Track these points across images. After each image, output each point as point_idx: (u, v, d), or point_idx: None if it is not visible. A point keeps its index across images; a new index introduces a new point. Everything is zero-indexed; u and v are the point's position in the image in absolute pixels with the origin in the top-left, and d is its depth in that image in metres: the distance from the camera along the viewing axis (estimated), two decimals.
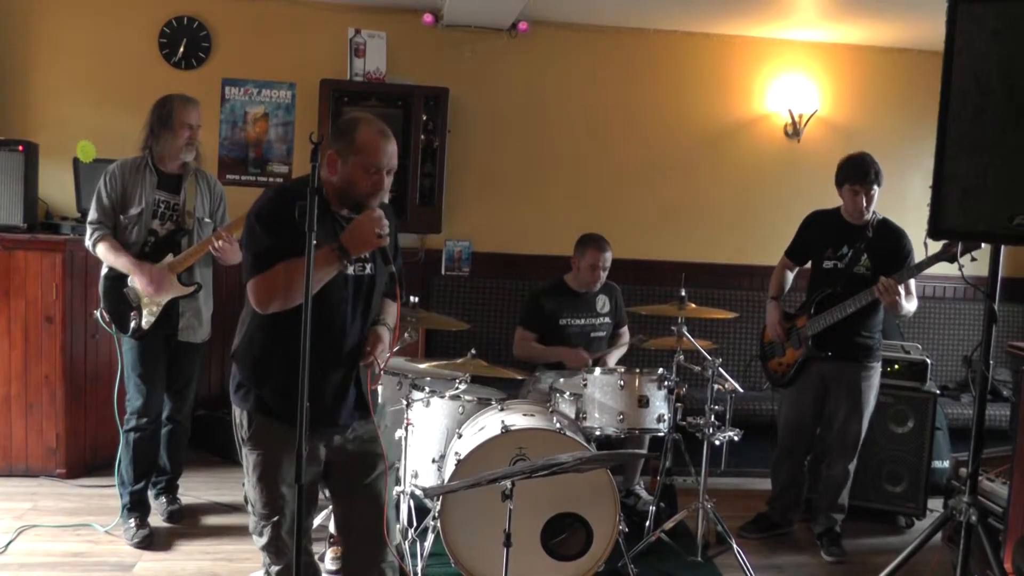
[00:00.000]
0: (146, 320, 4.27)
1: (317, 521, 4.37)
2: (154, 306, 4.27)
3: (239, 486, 5.16)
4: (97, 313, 4.37)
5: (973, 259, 3.54)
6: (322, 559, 4.14)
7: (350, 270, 2.88)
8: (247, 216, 2.88)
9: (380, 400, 3.23)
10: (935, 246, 3.83)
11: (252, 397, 2.97)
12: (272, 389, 2.93)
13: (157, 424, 4.46)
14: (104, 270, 4.34)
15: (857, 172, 4.44)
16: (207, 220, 4.41)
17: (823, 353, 4.54)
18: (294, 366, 2.57)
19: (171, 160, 4.30)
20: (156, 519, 4.53)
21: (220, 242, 4.19)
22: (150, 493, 4.55)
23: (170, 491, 4.71)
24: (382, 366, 3.01)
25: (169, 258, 4.28)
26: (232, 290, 5.65)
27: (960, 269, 3.48)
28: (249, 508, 3.07)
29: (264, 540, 3.02)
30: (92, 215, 4.29)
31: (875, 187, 4.43)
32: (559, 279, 5.05)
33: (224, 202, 4.54)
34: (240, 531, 4.53)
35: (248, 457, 3.01)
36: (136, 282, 4.23)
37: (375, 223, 2.78)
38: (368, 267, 2.96)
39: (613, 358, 5.05)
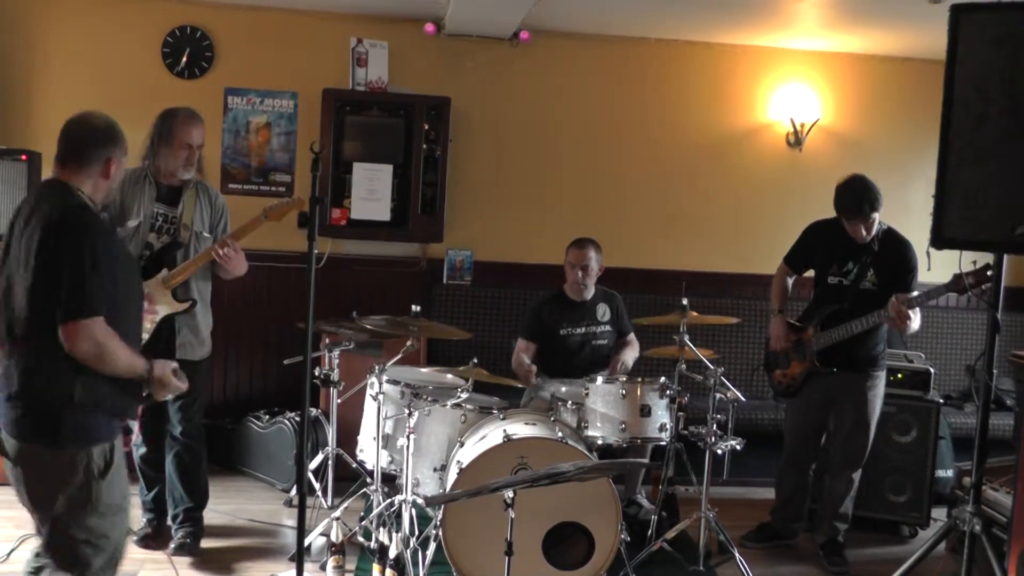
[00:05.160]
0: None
1: (316, 532, 4.38)
2: (148, 323, 4.03)
3: (239, 495, 5.17)
4: None
5: (984, 292, 3.53)
6: (324, 567, 4.14)
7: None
8: (83, 238, 2.71)
9: None
10: (937, 255, 3.83)
11: (101, 423, 2.80)
12: (108, 397, 2.79)
13: (159, 443, 4.33)
14: None
15: (852, 207, 4.39)
16: (206, 235, 4.24)
17: (829, 369, 4.53)
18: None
19: (168, 176, 4.17)
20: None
21: (225, 249, 4.07)
22: (171, 526, 4.39)
23: (191, 523, 4.35)
24: None
25: (164, 272, 4.11)
26: (233, 302, 5.66)
27: (968, 301, 3.48)
28: (90, 550, 2.82)
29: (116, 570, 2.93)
30: None
31: (873, 215, 4.39)
32: (559, 290, 5.06)
33: (226, 215, 4.39)
34: (242, 539, 4.53)
35: (107, 490, 2.80)
36: None
37: (175, 391, 2.92)
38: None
39: (629, 356, 5.04)
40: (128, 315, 2.87)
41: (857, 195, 4.38)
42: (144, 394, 2.88)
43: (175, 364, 2.96)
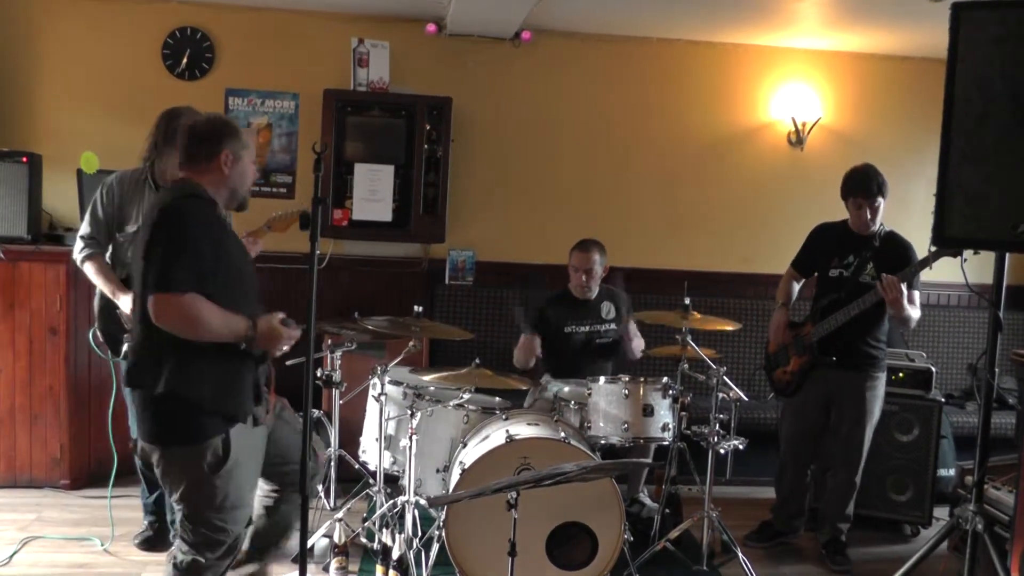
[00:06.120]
0: None
1: (319, 534, 4.37)
2: None
3: None
4: (90, 333, 4.22)
5: (976, 252, 3.52)
6: (327, 569, 4.14)
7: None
8: (179, 224, 2.83)
9: None
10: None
11: (216, 419, 2.88)
12: (222, 394, 2.89)
13: None
14: (98, 288, 4.16)
15: (860, 186, 4.45)
16: None
17: (828, 358, 4.53)
18: (225, 365, 2.86)
19: (173, 178, 4.03)
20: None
21: (252, 239, 4.08)
22: (171, 532, 4.26)
23: None
24: None
25: None
26: None
27: (963, 265, 3.45)
28: (203, 543, 2.96)
29: (232, 557, 3.04)
30: (85, 228, 4.10)
31: (879, 199, 4.43)
32: (564, 289, 5.05)
33: (229, 215, 4.39)
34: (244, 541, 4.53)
35: (223, 486, 2.91)
36: (125, 307, 3.98)
37: (288, 340, 3.00)
38: None
39: (636, 347, 5.04)
40: (237, 302, 2.89)
41: (867, 176, 4.45)
42: (259, 356, 2.95)
43: (282, 314, 2.99)
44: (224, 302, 2.82)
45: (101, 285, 4.06)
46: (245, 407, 2.94)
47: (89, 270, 4.07)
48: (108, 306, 4.10)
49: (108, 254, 4.12)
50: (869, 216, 4.45)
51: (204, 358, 2.82)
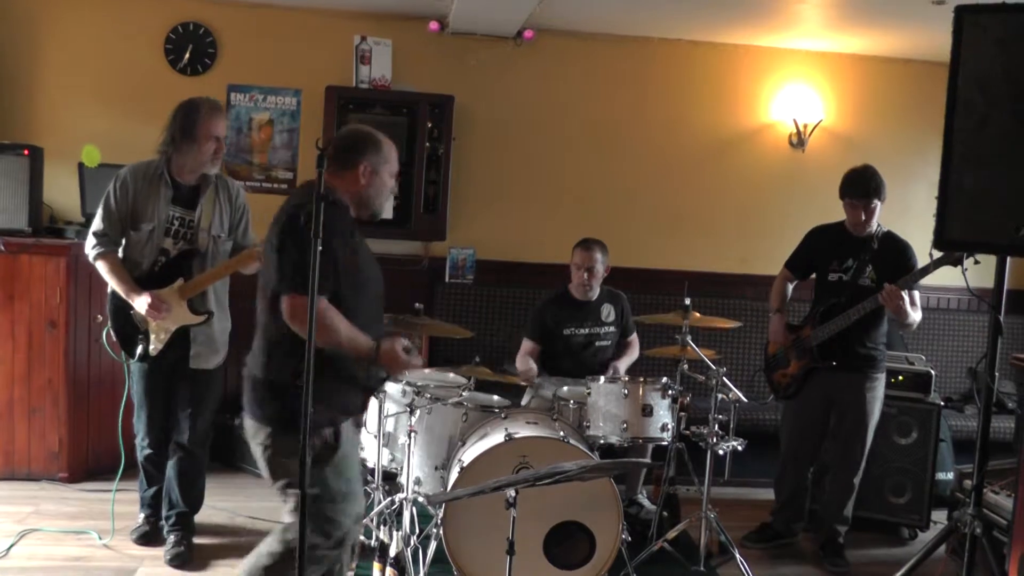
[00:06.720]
0: (153, 347, 3.99)
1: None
2: (162, 332, 3.98)
3: (239, 492, 5.15)
4: (103, 333, 4.16)
5: (976, 262, 3.51)
6: None
7: None
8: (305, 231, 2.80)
9: None
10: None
11: (328, 410, 2.90)
12: (336, 387, 2.96)
13: (162, 451, 4.23)
14: (111, 287, 4.05)
15: (856, 188, 4.46)
16: (222, 236, 4.06)
17: (828, 362, 4.53)
18: (343, 361, 2.91)
19: (190, 172, 3.98)
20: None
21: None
22: (164, 528, 4.30)
23: (182, 527, 4.24)
24: None
25: (180, 282, 3.96)
26: (237, 299, 5.64)
27: (964, 272, 3.45)
28: (315, 534, 2.93)
29: (344, 549, 3.05)
30: (97, 224, 3.98)
31: (875, 201, 4.43)
32: (563, 289, 5.04)
33: (247, 214, 4.20)
34: (242, 536, 4.52)
35: (331, 476, 2.92)
36: (140, 308, 3.92)
37: (410, 368, 3.07)
38: None
39: (623, 364, 5.03)
40: (364, 309, 2.97)
41: (863, 177, 4.46)
42: (379, 377, 3.00)
43: (406, 341, 3.04)
44: (352, 307, 2.89)
45: (114, 284, 3.98)
46: (356, 402, 3.01)
47: (102, 268, 3.99)
48: (122, 306, 4.02)
49: (121, 250, 4.03)
50: (864, 217, 4.45)
51: (323, 351, 2.81)
